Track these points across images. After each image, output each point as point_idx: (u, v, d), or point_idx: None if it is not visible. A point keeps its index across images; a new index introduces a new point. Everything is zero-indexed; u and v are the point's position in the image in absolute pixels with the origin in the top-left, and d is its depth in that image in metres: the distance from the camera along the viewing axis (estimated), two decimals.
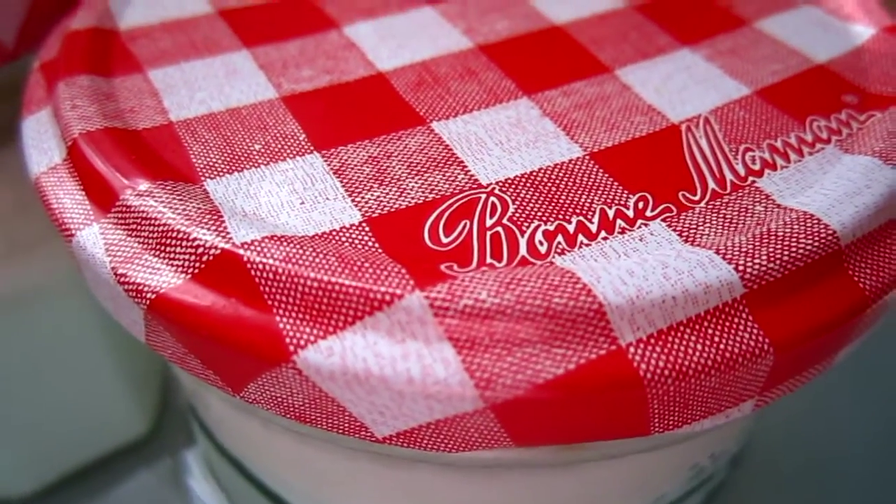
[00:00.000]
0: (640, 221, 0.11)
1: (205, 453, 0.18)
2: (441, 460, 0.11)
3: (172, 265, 0.10)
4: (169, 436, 0.22)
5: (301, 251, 0.10)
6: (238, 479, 0.16)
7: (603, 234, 0.10)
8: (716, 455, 0.15)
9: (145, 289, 0.10)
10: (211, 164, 0.11)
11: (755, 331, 0.10)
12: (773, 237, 0.10)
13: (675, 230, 0.11)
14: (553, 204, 0.11)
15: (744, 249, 0.10)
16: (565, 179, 0.11)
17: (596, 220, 0.11)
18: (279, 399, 0.10)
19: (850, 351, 0.11)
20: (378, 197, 0.11)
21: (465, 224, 0.11)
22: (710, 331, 0.09)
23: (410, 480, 0.12)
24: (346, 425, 0.10)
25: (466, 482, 0.12)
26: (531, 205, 0.11)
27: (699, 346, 0.09)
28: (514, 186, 0.11)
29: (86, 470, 0.22)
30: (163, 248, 0.10)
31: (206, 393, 0.14)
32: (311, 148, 0.12)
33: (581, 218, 0.11)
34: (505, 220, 0.11)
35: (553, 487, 0.13)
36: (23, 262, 0.18)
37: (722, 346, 0.09)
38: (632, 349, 0.09)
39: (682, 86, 0.13)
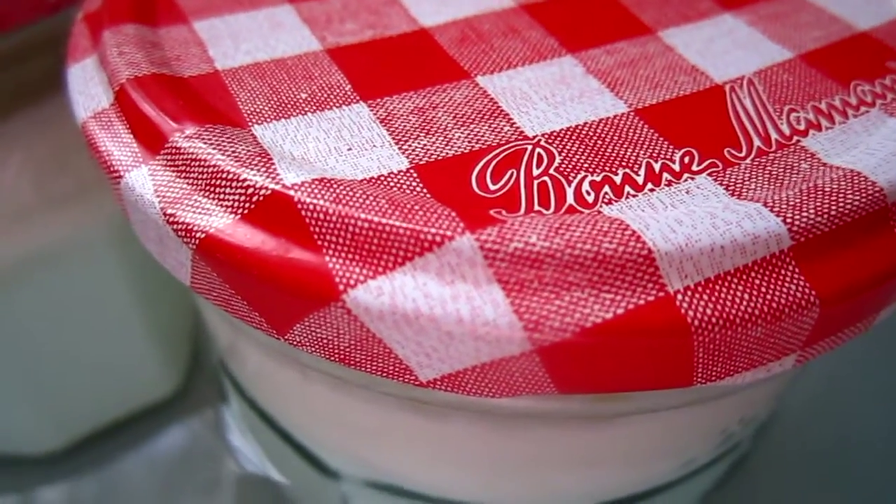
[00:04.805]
0: (686, 175, 0.11)
1: (236, 412, 0.18)
2: (480, 407, 0.11)
3: (222, 206, 0.10)
4: (198, 394, 0.22)
5: (351, 193, 0.10)
6: (269, 434, 0.16)
7: (650, 185, 0.11)
8: (745, 420, 0.15)
9: (195, 229, 0.10)
10: (258, 110, 0.12)
11: (801, 283, 0.10)
12: (820, 192, 0.10)
13: (721, 184, 0.11)
14: (599, 156, 0.11)
15: (791, 203, 0.10)
16: (611, 133, 0.11)
17: (642, 172, 0.11)
18: (325, 341, 0.10)
19: (890, 312, 0.11)
20: (425, 145, 0.11)
21: (512, 173, 0.11)
22: (757, 281, 0.09)
23: (444, 432, 0.12)
24: (391, 368, 0.10)
25: (500, 435, 0.12)
26: (577, 157, 0.11)
27: (746, 296, 0.09)
28: (559, 139, 0.11)
29: (114, 427, 0.22)
30: (212, 189, 0.10)
31: (244, 345, 0.14)
32: (357, 98, 0.12)
33: (627, 170, 0.11)
34: (552, 171, 0.11)
35: (586, 443, 0.13)
36: (56, 217, 0.18)
37: (769, 297, 0.09)
38: (680, 296, 0.09)
39: (724, 49, 0.13)
